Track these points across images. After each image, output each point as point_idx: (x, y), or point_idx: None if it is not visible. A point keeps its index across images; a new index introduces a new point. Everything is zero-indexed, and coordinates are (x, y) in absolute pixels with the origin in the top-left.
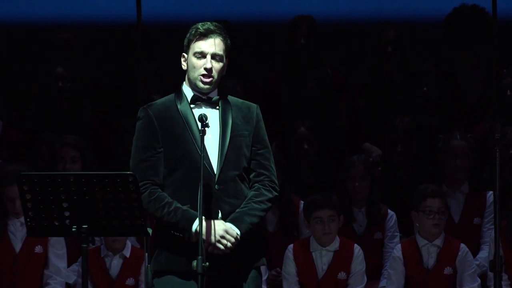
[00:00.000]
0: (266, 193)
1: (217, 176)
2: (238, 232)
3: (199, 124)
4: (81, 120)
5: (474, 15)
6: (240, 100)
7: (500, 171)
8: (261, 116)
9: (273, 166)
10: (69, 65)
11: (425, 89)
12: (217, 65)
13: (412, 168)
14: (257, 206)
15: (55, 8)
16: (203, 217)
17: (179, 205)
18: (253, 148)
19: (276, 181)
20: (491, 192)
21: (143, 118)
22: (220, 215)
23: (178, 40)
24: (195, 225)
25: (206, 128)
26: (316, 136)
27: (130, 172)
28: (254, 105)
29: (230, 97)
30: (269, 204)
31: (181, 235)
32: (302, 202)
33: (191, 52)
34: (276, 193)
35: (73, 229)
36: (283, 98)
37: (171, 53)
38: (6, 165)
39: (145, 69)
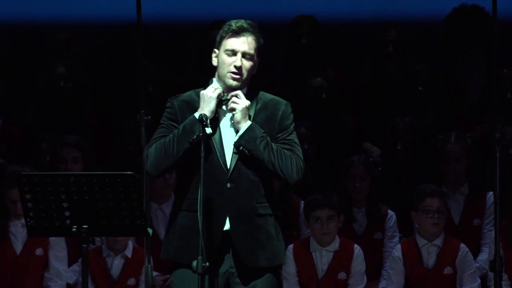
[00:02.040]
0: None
1: (229, 173)
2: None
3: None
4: (81, 120)
5: (474, 15)
6: (271, 97)
7: (500, 171)
8: (288, 112)
9: (297, 146)
10: (69, 65)
11: (420, 88)
12: (247, 64)
13: (412, 168)
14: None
15: (55, 8)
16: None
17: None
18: (276, 139)
19: (301, 157)
20: (491, 193)
21: (168, 109)
22: (227, 222)
23: (178, 40)
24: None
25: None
26: (316, 136)
27: (130, 172)
28: (283, 102)
29: (262, 93)
30: (287, 154)
31: (194, 136)
32: (302, 202)
33: (222, 49)
34: (301, 163)
35: (73, 229)
36: (283, 98)
37: (171, 53)
38: (7, 165)
39: (145, 69)
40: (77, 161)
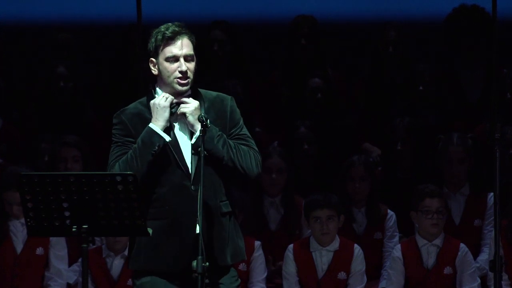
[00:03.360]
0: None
1: (192, 176)
2: (197, 104)
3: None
4: (81, 120)
5: (474, 15)
6: (214, 94)
7: (500, 171)
8: (235, 107)
9: (251, 141)
10: (69, 65)
11: (421, 88)
12: (190, 66)
13: (412, 168)
14: (233, 142)
15: (55, 8)
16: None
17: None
18: (229, 135)
19: (257, 150)
20: (491, 194)
21: (118, 124)
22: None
23: None
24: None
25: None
26: (316, 136)
27: (130, 172)
28: (228, 97)
29: (204, 91)
30: (245, 149)
31: (156, 148)
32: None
33: (161, 58)
34: (259, 157)
35: (74, 229)
36: (283, 98)
37: None
38: (6, 166)
39: (145, 69)
40: (76, 160)
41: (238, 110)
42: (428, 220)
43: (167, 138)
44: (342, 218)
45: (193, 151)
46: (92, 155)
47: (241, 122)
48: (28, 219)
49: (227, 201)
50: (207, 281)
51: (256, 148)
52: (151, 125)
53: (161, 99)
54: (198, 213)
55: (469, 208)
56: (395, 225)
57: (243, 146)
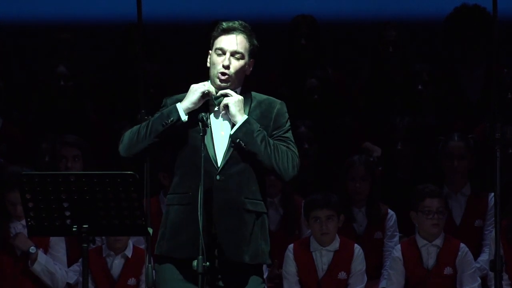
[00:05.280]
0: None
1: (220, 166)
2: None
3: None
4: (82, 119)
5: (474, 15)
6: (265, 96)
7: (500, 171)
8: (283, 111)
9: (292, 144)
10: (69, 65)
11: (420, 88)
12: (236, 63)
13: (412, 168)
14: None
15: (56, 8)
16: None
17: None
18: (271, 136)
19: (297, 154)
20: (492, 194)
21: (162, 107)
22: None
23: (178, 40)
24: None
25: (209, 124)
26: (316, 136)
27: (131, 172)
28: (278, 101)
29: (255, 94)
30: (283, 149)
31: (170, 121)
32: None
33: (213, 49)
34: (297, 160)
35: (74, 229)
36: (283, 98)
37: (171, 53)
38: (7, 166)
39: (145, 69)
40: (77, 159)
41: (286, 116)
42: (428, 220)
43: (184, 117)
44: (341, 217)
45: (232, 144)
46: (92, 155)
47: (287, 126)
48: (29, 219)
49: (258, 201)
50: (219, 276)
51: (296, 152)
52: (178, 104)
53: (199, 84)
54: (199, 213)
55: (470, 208)
56: (395, 225)
57: (282, 146)
